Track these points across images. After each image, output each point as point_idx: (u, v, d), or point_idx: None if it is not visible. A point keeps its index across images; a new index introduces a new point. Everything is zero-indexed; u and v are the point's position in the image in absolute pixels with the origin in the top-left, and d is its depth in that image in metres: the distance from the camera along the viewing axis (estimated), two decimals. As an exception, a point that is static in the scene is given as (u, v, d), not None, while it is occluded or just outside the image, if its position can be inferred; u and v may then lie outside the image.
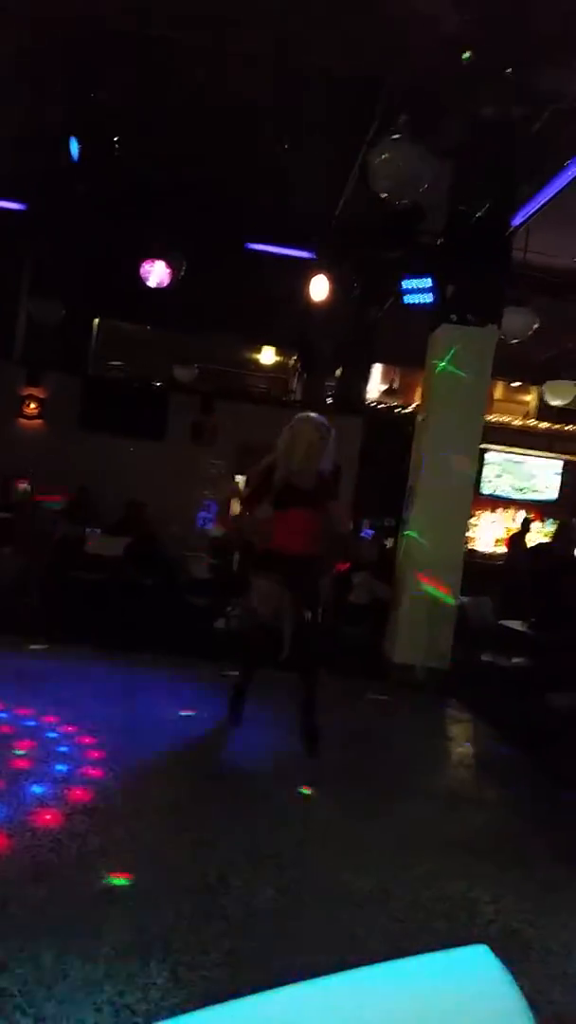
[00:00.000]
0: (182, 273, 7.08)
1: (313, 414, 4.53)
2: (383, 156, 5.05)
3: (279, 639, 4.46)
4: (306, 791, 3.75)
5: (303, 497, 4.32)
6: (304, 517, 4.34)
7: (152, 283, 7.01)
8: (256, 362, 12.68)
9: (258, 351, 12.51)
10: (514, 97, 5.40)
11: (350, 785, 3.95)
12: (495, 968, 0.88)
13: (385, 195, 5.19)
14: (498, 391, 14.06)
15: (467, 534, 7.67)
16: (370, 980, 0.86)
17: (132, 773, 3.65)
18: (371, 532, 9.65)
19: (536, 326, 7.20)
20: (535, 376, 11.93)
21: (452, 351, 6.38)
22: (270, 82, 5.84)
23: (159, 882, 2.67)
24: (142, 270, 6.96)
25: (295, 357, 12.26)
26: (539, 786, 4.46)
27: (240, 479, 12.61)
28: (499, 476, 13.63)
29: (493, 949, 2.46)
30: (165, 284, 7.01)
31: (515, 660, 6.79)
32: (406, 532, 6.82)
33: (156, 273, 6.94)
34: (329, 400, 12.19)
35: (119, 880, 2.64)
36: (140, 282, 7.08)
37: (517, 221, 6.28)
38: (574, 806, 4.10)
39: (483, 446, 12.31)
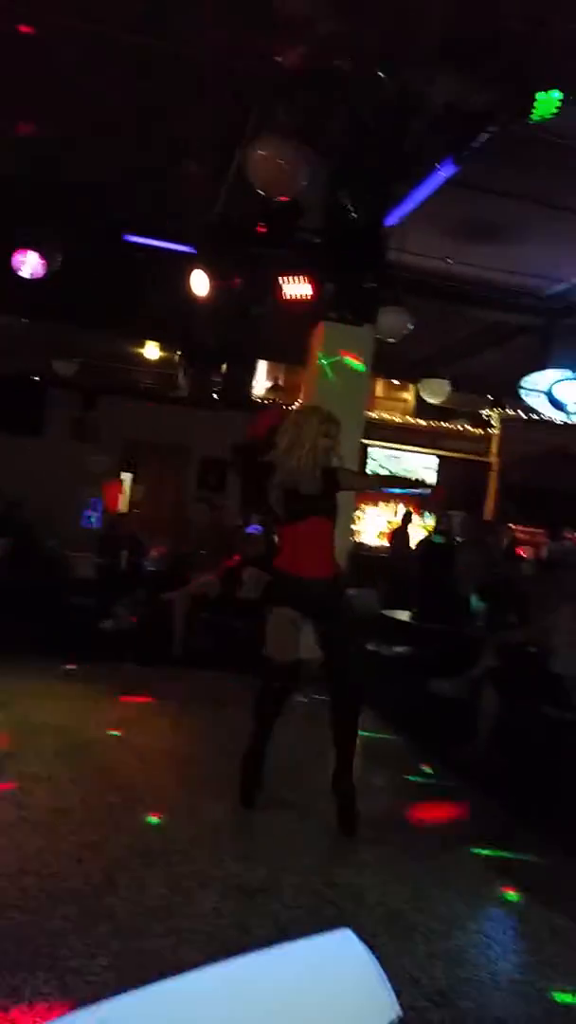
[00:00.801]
0: (57, 265, 6.88)
1: (319, 406, 3.93)
2: (259, 152, 5.07)
3: (296, 677, 3.70)
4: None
5: (312, 504, 3.59)
6: (319, 529, 3.60)
7: (25, 274, 6.78)
8: (140, 356, 12.48)
9: (141, 345, 12.32)
10: (387, 99, 5.54)
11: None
12: (359, 951, 0.91)
13: (262, 192, 5.22)
14: (379, 389, 14.42)
15: (352, 527, 7.84)
16: (236, 972, 0.88)
17: (13, 779, 3.54)
18: (259, 528, 9.69)
19: (411, 326, 7.41)
20: (412, 374, 12.29)
21: (330, 349, 6.51)
22: (146, 74, 5.76)
23: (44, 887, 2.60)
24: (14, 261, 6.72)
25: (179, 352, 12.18)
26: (428, 767, 4.61)
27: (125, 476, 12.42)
28: (379, 471, 14.04)
29: (379, 932, 2.54)
30: (39, 275, 6.80)
31: (398, 648, 7.01)
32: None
33: (29, 264, 6.71)
34: (215, 396, 12.17)
35: None
36: (13, 274, 6.84)
37: (391, 221, 6.43)
38: (458, 789, 4.27)
39: (365, 442, 12.62)
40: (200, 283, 6.82)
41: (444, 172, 5.39)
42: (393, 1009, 0.85)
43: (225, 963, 0.92)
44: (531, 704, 4.54)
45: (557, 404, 10.73)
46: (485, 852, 3.38)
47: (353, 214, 6.18)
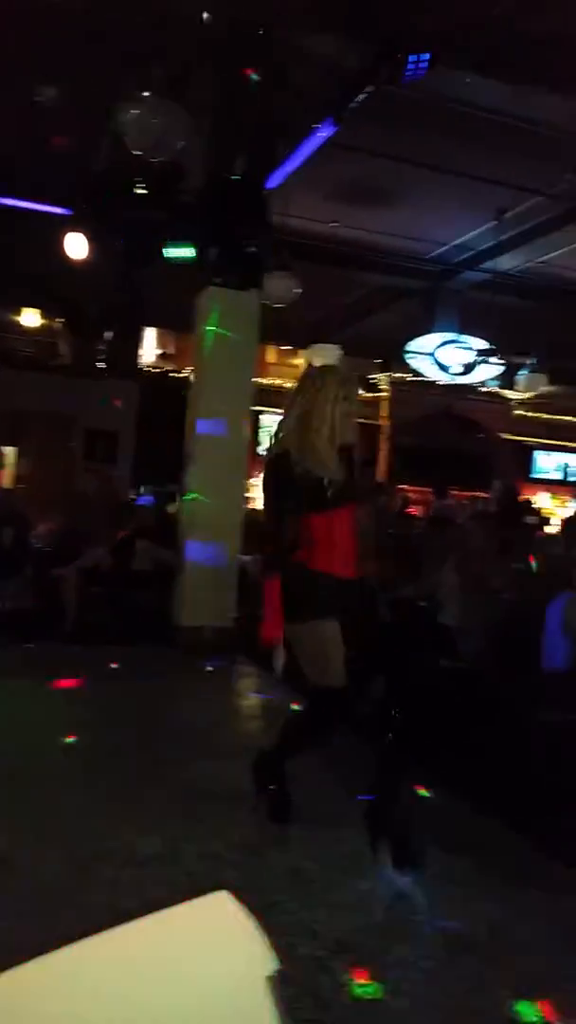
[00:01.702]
0: None
1: (335, 365, 3.33)
2: (134, 112, 4.91)
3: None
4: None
5: (341, 490, 3.00)
6: (350, 521, 3.02)
7: None
8: (18, 324, 12.00)
9: (18, 312, 11.84)
10: (264, 59, 5.45)
11: (138, 750, 3.94)
12: (234, 910, 0.92)
13: (137, 152, 5.06)
14: (272, 355, 14.39)
15: (247, 495, 7.84)
16: (115, 941, 0.88)
17: None
18: (150, 498, 9.57)
19: (298, 291, 7.40)
20: (302, 340, 12.31)
21: (218, 314, 6.42)
22: (19, 28, 5.45)
23: None
24: None
25: (60, 319, 11.79)
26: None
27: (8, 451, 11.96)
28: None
29: (279, 888, 2.58)
30: None
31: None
32: (185, 496, 6.83)
33: None
34: (101, 364, 11.84)
35: None
36: None
37: (274, 183, 6.38)
38: (357, 744, 4.37)
39: (258, 408, 12.60)
40: (77, 246, 6.58)
41: (324, 132, 5.37)
42: (271, 963, 0.86)
43: (104, 933, 0.91)
44: (423, 656, 4.68)
45: (442, 366, 11.01)
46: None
47: (234, 176, 6.09)
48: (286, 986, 2.05)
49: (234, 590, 6.63)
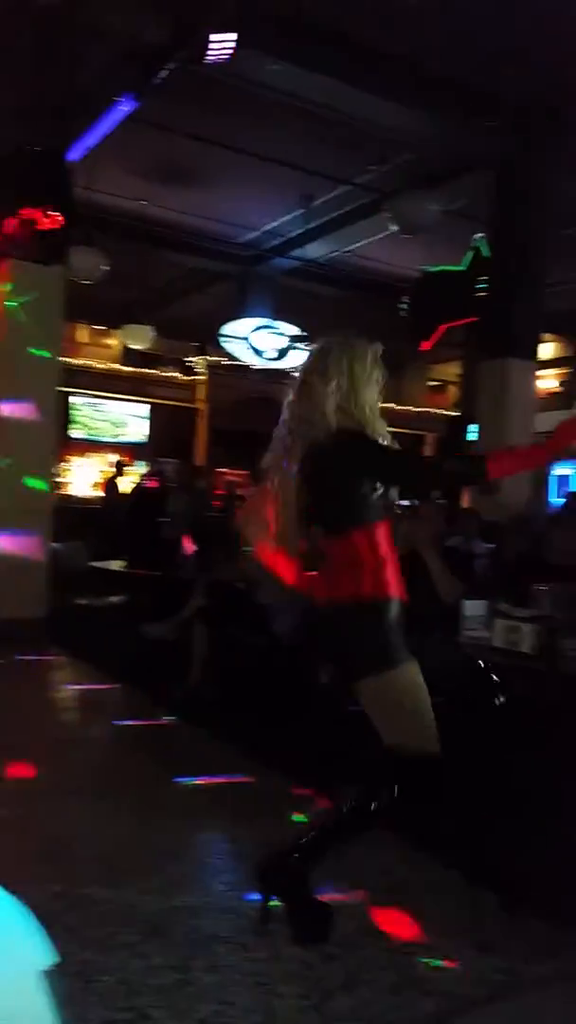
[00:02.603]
0: None
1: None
2: None
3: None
4: None
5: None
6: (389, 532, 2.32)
7: None
8: None
9: None
10: (65, 30, 5.23)
11: None
12: (5, 904, 0.88)
13: None
14: (84, 335, 13.95)
15: (58, 479, 7.57)
16: None
17: None
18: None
19: (106, 267, 7.21)
20: (115, 320, 12.03)
21: (18, 290, 6.12)
22: None
23: None
24: None
25: None
26: (142, 713, 4.64)
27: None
28: (88, 420, 13.73)
29: (90, 878, 2.52)
30: None
31: (113, 599, 6.96)
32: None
33: None
34: None
35: None
36: None
37: (75, 156, 6.14)
38: (176, 727, 4.36)
39: (68, 390, 12.18)
40: None
41: (125, 107, 5.23)
42: (46, 958, 0.83)
43: None
44: (240, 636, 4.74)
45: (256, 351, 11.16)
46: (193, 782, 3.49)
47: (33, 147, 5.81)
48: (97, 976, 2.03)
49: (43, 579, 6.40)
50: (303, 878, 2.23)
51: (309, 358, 2.45)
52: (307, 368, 2.42)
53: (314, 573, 2.37)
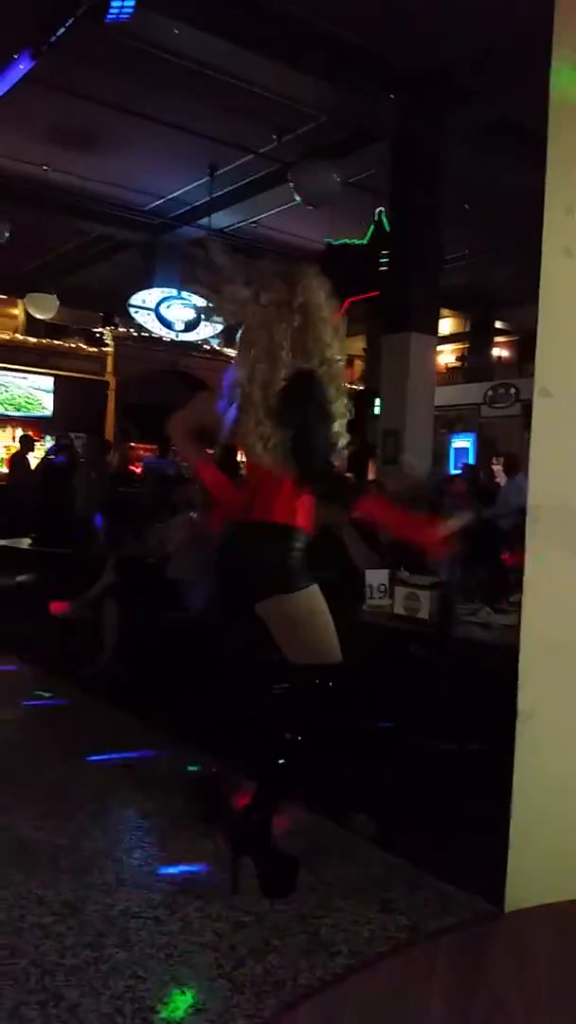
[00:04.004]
0: None
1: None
2: None
3: None
4: None
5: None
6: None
7: None
8: None
9: None
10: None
11: None
12: None
13: None
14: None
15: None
16: None
17: None
18: None
19: (6, 233, 6.94)
20: (19, 289, 11.62)
21: None
22: None
23: None
24: None
25: None
26: (51, 692, 4.57)
27: None
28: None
29: (3, 855, 2.49)
30: None
31: (21, 577, 6.81)
32: None
33: None
34: None
35: None
36: None
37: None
38: (88, 705, 4.31)
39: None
40: None
41: (22, 65, 5.01)
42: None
43: None
44: (151, 611, 4.71)
45: (165, 323, 10.99)
46: (104, 759, 3.47)
47: None
48: (9, 959, 2.02)
49: None
50: (267, 833, 2.34)
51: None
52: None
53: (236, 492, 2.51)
